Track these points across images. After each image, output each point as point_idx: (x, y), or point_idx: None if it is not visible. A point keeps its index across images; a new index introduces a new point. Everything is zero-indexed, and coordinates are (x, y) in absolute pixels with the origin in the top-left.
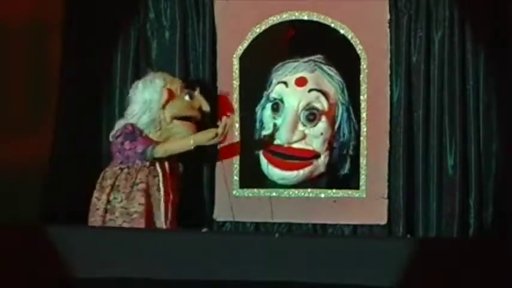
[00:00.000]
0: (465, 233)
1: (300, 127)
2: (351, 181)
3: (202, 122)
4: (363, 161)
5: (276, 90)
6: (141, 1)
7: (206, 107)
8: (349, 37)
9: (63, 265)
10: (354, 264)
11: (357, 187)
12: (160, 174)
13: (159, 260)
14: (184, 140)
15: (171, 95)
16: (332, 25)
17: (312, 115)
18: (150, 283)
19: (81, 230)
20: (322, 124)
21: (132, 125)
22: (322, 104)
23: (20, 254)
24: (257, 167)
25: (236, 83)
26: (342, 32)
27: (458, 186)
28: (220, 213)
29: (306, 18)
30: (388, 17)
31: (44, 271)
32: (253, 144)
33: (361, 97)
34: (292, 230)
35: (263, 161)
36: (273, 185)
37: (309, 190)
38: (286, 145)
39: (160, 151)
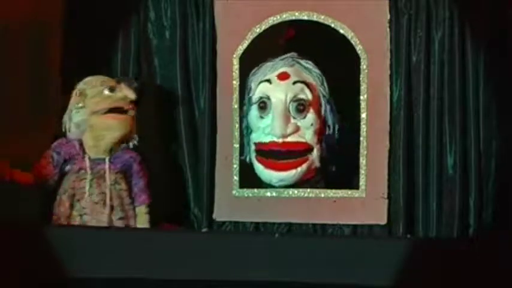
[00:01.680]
0: (465, 233)
1: (292, 119)
2: (350, 181)
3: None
4: (362, 160)
5: (259, 90)
6: (141, 1)
7: (131, 95)
8: (349, 37)
9: (62, 265)
10: (353, 264)
11: (357, 187)
12: (88, 178)
13: (159, 260)
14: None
15: (83, 95)
16: (332, 25)
17: (301, 105)
18: (149, 283)
19: (80, 230)
20: (311, 115)
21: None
22: (307, 95)
23: (20, 254)
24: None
25: (236, 83)
26: (341, 32)
27: (458, 186)
28: (220, 213)
29: (305, 18)
30: (388, 17)
31: (43, 271)
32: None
33: (361, 97)
34: (292, 230)
35: (257, 166)
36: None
37: (309, 190)
38: (281, 140)
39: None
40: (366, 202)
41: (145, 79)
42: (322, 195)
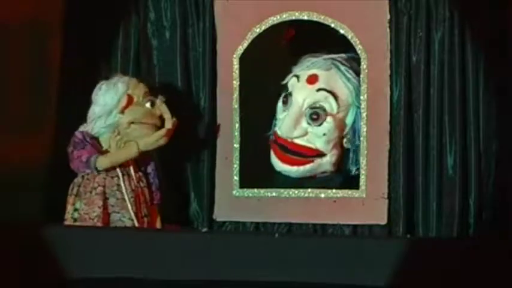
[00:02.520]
0: (465, 233)
1: (304, 124)
2: (350, 181)
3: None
4: (362, 160)
5: (289, 83)
6: (142, 1)
7: (167, 116)
8: (349, 37)
9: (62, 265)
10: (353, 264)
11: (357, 187)
12: (120, 175)
13: (159, 260)
14: (128, 147)
15: (131, 101)
16: (332, 25)
17: (315, 114)
18: (149, 283)
19: (81, 230)
20: (328, 125)
21: (82, 132)
22: (330, 104)
23: (20, 254)
24: (257, 167)
25: (236, 83)
26: (341, 32)
27: (458, 186)
28: (220, 213)
29: (306, 18)
30: (388, 17)
31: (43, 271)
32: (258, 140)
33: (361, 97)
34: (292, 230)
35: (271, 151)
36: (277, 178)
37: (309, 190)
38: (289, 139)
39: (104, 163)
40: (366, 202)
41: (145, 79)
42: (322, 195)
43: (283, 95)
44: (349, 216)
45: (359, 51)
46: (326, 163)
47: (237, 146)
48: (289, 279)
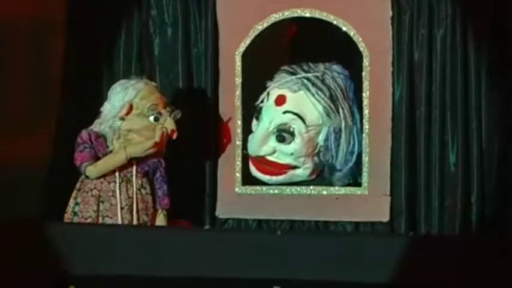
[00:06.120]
0: (467, 230)
1: (272, 143)
2: (353, 178)
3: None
4: (365, 158)
5: (263, 100)
6: None
7: (170, 126)
8: (351, 34)
9: (63, 262)
10: (356, 261)
11: (359, 184)
12: (117, 180)
13: (160, 257)
14: (117, 154)
15: (130, 110)
16: (334, 22)
17: (280, 137)
18: (151, 281)
19: (81, 227)
20: (295, 145)
21: (88, 132)
22: (298, 126)
23: (20, 252)
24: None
25: (238, 80)
26: (344, 29)
27: (460, 183)
28: (223, 211)
29: (308, 15)
30: (390, 14)
31: (43, 268)
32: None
33: (363, 94)
34: (295, 228)
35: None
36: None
37: (311, 187)
38: (259, 157)
39: (92, 172)
40: (368, 199)
41: (147, 76)
42: (325, 192)
43: (256, 110)
44: (351, 213)
45: (361, 49)
46: (301, 174)
47: (239, 143)
48: (292, 276)
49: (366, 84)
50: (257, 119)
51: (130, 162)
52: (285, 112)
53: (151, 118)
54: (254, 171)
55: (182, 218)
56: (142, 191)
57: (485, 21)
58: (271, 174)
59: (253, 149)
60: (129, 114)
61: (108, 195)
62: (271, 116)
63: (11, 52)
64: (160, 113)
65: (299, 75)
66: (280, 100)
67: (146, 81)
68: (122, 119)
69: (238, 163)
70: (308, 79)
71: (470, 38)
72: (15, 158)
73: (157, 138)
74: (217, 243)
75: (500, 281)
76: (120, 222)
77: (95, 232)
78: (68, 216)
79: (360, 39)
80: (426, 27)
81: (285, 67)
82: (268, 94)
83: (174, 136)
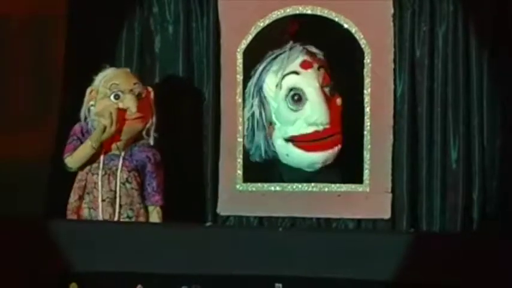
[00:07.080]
0: (468, 227)
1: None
2: (354, 175)
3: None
4: (366, 155)
5: (286, 84)
6: None
7: (131, 110)
8: (353, 31)
9: (65, 259)
10: (357, 258)
11: (361, 181)
12: (100, 173)
13: (162, 254)
14: (84, 144)
15: (92, 96)
16: (336, 19)
17: (333, 90)
18: (152, 277)
19: (83, 224)
20: (339, 99)
21: (81, 126)
22: (330, 78)
23: (22, 248)
24: (260, 162)
25: (240, 77)
26: (345, 26)
27: (462, 180)
28: (224, 208)
29: (309, 12)
30: (392, 11)
31: (45, 265)
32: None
33: (365, 91)
34: (296, 225)
35: (292, 151)
36: (281, 172)
37: (313, 184)
38: (321, 128)
39: (70, 162)
40: (369, 196)
41: (149, 73)
42: (326, 189)
43: (288, 96)
44: (353, 210)
45: (363, 46)
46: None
47: (240, 140)
48: (293, 273)
49: (367, 81)
50: (298, 100)
51: (117, 155)
52: (319, 68)
53: (112, 97)
54: (305, 156)
55: (183, 216)
56: (127, 185)
57: (487, 18)
58: (329, 147)
59: (321, 119)
60: (92, 99)
61: (91, 186)
62: (314, 78)
63: (11, 50)
64: (122, 92)
65: (287, 46)
66: (307, 64)
67: (117, 68)
68: (93, 106)
69: (240, 160)
70: (299, 45)
71: (472, 35)
72: (16, 155)
73: (107, 119)
74: (219, 240)
75: (502, 277)
76: (100, 214)
77: (96, 229)
78: (68, 211)
79: (362, 36)
80: (428, 24)
81: (269, 54)
82: (294, 72)
83: (135, 115)
